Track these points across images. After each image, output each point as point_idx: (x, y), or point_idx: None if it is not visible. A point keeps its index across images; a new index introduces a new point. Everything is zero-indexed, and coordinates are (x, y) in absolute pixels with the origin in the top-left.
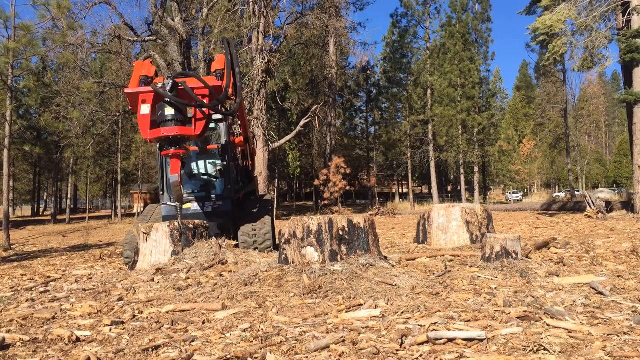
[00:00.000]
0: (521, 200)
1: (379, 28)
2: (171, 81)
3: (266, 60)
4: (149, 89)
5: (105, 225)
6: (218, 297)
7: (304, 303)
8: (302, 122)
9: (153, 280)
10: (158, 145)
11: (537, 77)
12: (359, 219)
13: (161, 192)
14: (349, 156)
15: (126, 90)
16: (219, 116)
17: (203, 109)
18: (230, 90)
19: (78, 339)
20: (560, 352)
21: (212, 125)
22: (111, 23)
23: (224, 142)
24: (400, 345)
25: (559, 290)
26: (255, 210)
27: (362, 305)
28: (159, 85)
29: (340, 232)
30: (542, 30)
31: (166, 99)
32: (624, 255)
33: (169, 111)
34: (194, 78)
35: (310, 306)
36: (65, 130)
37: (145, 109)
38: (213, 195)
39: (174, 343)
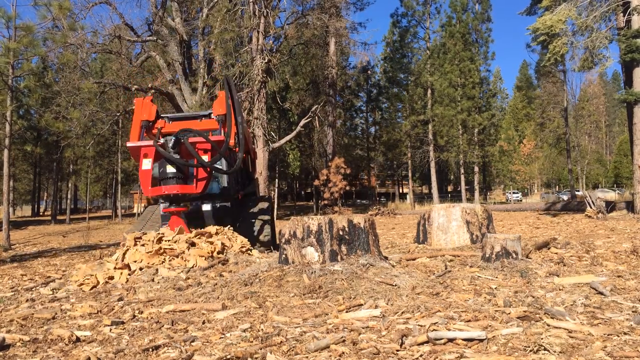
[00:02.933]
0: (521, 201)
1: (379, 28)
2: (174, 137)
3: (266, 60)
4: (151, 143)
5: (105, 225)
6: (218, 297)
7: (304, 303)
8: (302, 122)
9: (153, 280)
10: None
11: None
12: (359, 219)
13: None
14: (349, 156)
15: (128, 144)
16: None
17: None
18: (232, 140)
19: (78, 339)
20: (560, 352)
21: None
22: (111, 23)
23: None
24: (401, 345)
25: (559, 290)
26: (254, 211)
27: (362, 305)
28: (161, 141)
29: (341, 232)
30: (542, 30)
31: (168, 158)
32: (624, 255)
33: (171, 169)
34: (196, 135)
35: (310, 306)
36: (66, 130)
37: (146, 164)
38: (212, 195)
39: (174, 343)
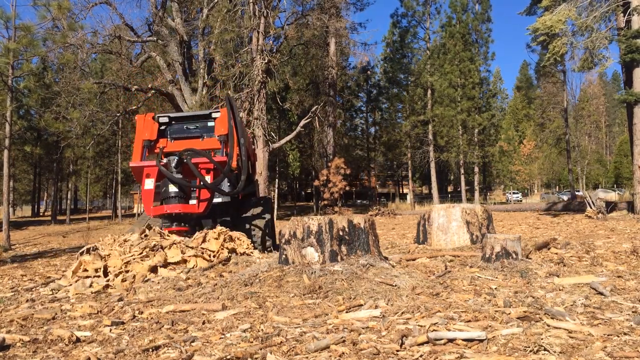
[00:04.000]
0: (521, 201)
1: (379, 28)
2: (176, 158)
3: (266, 61)
4: (154, 163)
5: (105, 225)
6: (218, 298)
7: (304, 303)
8: (302, 123)
9: (153, 280)
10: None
11: (537, 78)
12: (359, 219)
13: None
14: (349, 156)
15: (131, 164)
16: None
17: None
18: (234, 162)
19: (78, 340)
20: (560, 352)
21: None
22: (111, 23)
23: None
24: (400, 346)
25: (559, 290)
26: (254, 211)
27: (362, 305)
28: (164, 161)
29: (341, 233)
30: (542, 30)
31: (170, 178)
32: (624, 256)
33: (173, 188)
34: (199, 156)
35: (310, 306)
36: (65, 131)
37: (149, 184)
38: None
39: (174, 343)
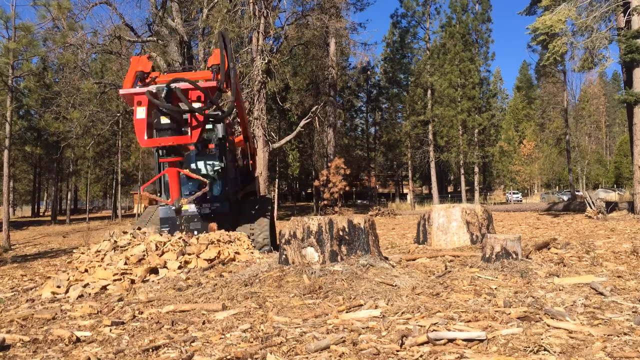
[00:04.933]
0: (521, 201)
1: (379, 28)
2: (165, 87)
3: (266, 61)
4: (144, 90)
5: (105, 225)
6: (218, 298)
7: (304, 303)
8: (303, 123)
9: (153, 280)
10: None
11: (537, 78)
12: (359, 220)
13: (158, 194)
14: (349, 156)
15: (121, 91)
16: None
17: (198, 114)
18: (225, 85)
19: (78, 340)
20: (560, 352)
21: (209, 126)
22: (111, 23)
23: (220, 138)
24: (401, 346)
25: (559, 290)
26: (253, 211)
27: (362, 305)
28: (154, 90)
29: (341, 233)
30: (542, 30)
31: (158, 106)
32: (624, 256)
33: (165, 120)
34: (187, 83)
35: (310, 306)
36: (66, 131)
37: (141, 113)
38: (211, 197)
39: (174, 343)
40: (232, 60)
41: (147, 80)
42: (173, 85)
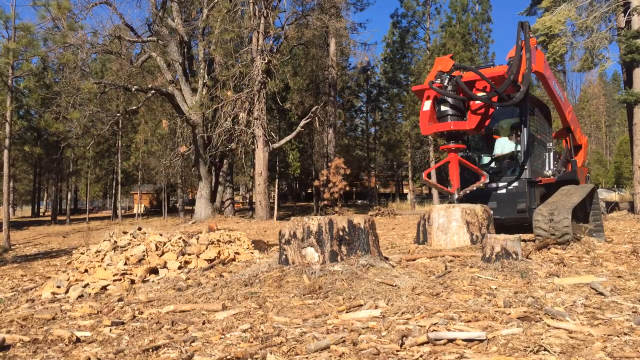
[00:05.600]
0: None
1: (379, 28)
2: (447, 76)
3: (266, 61)
4: (426, 86)
5: (106, 226)
6: (218, 298)
7: (304, 303)
8: (303, 123)
9: (153, 280)
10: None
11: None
12: (359, 220)
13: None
14: (349, 156)
15: (414, 88)
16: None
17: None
18: (520, 78)
19: (78, 340)
20: (560, 352)
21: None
22: (111, 23)
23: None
24: (401, 346)
25: (559, 290)
26: (560, 196)
27: (362, 305)
28: (438, 81)
29: (341, 233)
30: (541, 30)
31: (444, 96)
32: (624, 256)
33: (444, 107)
34: (472, 72)
35: (310, 307)
36: (66, 131)
37: (426, 105)
38: (508, 175)
39: (174, 343)
40: (528, 51)
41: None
42: (456, 74)
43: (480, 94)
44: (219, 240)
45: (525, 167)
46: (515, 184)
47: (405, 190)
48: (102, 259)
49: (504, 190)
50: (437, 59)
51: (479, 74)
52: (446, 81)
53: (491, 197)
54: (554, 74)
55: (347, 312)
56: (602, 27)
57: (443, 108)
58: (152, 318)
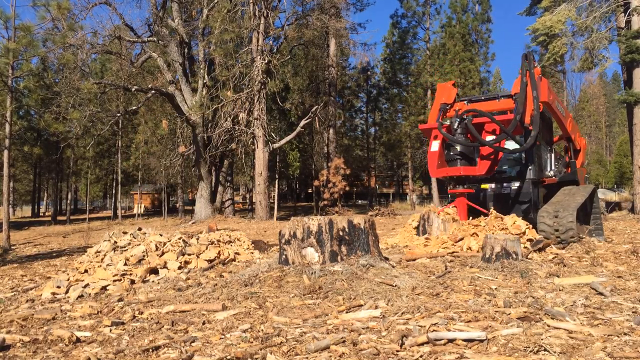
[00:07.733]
0: None
1: (379, 29)
2: (458, 119)
3: (266, 61)
4: (435, 125)
5: (106, 226)
6: (218, 298)
7: (304, 304)
8: (303, 123)
9: (153, 280)
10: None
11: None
12: (359, 220)
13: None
14: (349, 157)
15: (421, 126)
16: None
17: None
18: (528, 119)
19: (78, 340)
20: (560, 352)
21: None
22: (111, 24)
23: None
24: (401, 346)
25: (559, 290)
26: (562, 196)
27: (362, 305)
28: (447, 123)
29: (341, 233)
30: (541, 30)
31: (449, 139)
32: (624, 256)
33: (454, 150)
34: (484, 116)
35: (310, 307)
36: (66, 131)
37: (435, 146)
38: (512, 177)
39: (174, 344)
40: (535, 88)
41: (450, 113)
42: (466, 117)
43: (489, 137)
44: (219, 241)
45: (530, 168)
46: (520, 185)
47: (406, 191)
48: (102, 259)
49: (508, 191)
50: (439, 86)
51: (490, 117)
52: (456, 124)
53: (495, 197)
54: (554, 74)
55: (347, 312)
56: (602, 27)
57: (452, 151)
58: (152, 318)
